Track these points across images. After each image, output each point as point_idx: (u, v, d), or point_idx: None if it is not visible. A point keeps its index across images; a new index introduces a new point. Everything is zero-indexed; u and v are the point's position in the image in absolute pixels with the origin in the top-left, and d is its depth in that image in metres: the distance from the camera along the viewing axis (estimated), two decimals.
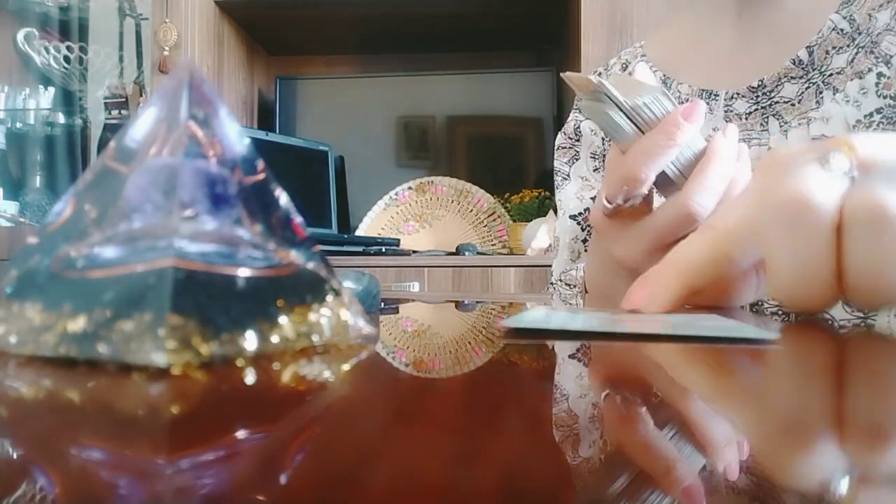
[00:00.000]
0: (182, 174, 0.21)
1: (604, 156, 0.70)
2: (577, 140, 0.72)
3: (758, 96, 0.59)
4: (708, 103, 0.61)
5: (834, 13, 0.57)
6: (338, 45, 2.06)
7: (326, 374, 0.19)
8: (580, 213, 0.68)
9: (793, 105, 0.57)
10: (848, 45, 0.56)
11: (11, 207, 1.87)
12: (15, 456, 0.12)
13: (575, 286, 0.66)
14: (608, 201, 0.45)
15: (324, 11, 1.81)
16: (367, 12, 1.81)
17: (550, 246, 1.56)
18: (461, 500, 0.10)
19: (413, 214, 1.92)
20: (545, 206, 1.75)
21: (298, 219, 0.23)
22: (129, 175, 0.21)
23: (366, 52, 2.09)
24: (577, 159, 0.71)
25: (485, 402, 0.16)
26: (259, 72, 2.06)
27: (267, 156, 0.25)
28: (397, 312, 0.44)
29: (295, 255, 0.23)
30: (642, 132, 0.42)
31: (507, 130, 1.97)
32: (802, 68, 0.57)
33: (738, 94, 0.60)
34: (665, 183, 0.45)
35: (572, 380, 0.20)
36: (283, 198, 0.23)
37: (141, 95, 1.87)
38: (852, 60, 0.55)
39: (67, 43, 1.93)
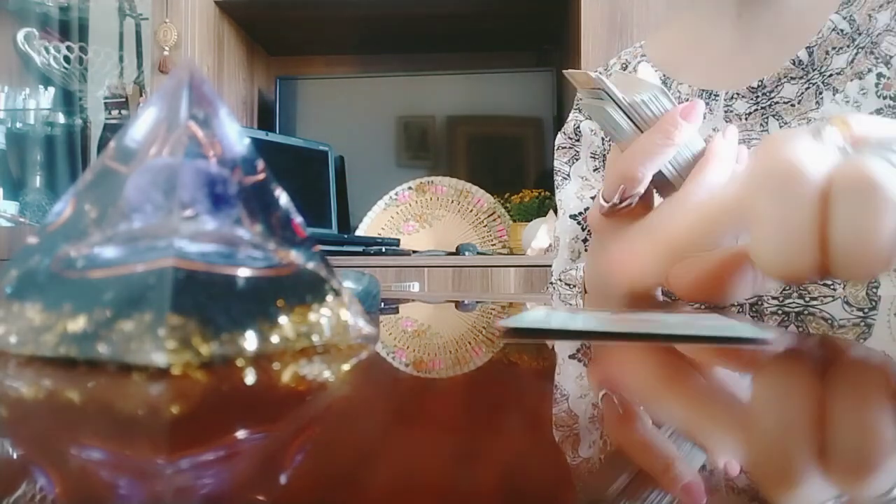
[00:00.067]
0: (182, 174, 0.21)
1: (604, 156, 0.70)
2: (578, 140, 0.72)
3: (758, 97, 0.59)
4: (708, 103, 0.61)
5: (834, 13, 0.57)
6: (338, 45, 2.06)
7: (326, 374, 0.19)
8: (580, 213, 0.68)
9: (793, 105, 0.57)
10: (848, 46, 0.56)
11: (11, 207, 1.87)
12: (15, 456, 0.12)
13: (575, 286, 0.66)
14: (605, 200, 0.45)
15: (324, 11, 1.81)
16: (367, 12, 1.81)
17: (550, 246, 1.56)
18: (461, 500, 0.10)
19: (413, 214, 1.92)
20: (545, 206, 1.75)
21: (298, 219, 0.23)
22: (129, 175, 0.21)
23: (366, 52, 2.09)
24: (577, 159, 0.71)
25: (485, 402, 0.16)
26: (259, 72, 2.06)
27: (267, 156, 0.25)
28: (397, 312, 0.44)
29: (295, 255, 0.23)
30: (641, 131, 0.42)
31: (507, 130, 1.97)
32: (802, 69, 0.57)
33: (737, 94, 0.60)
34: (663, 183, 0.44)
35: (572, 380, 0.20)
36: (283, 198, 0.23)
37: (141, 95, 1.87)
38: (852, 61, 0.55)
39: (67, 43, 1.93)
